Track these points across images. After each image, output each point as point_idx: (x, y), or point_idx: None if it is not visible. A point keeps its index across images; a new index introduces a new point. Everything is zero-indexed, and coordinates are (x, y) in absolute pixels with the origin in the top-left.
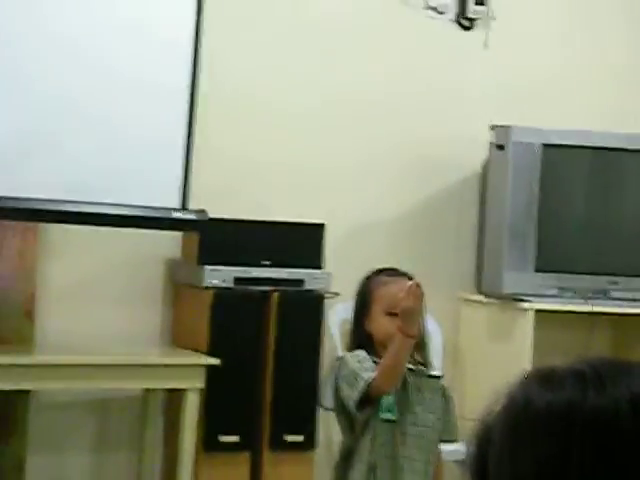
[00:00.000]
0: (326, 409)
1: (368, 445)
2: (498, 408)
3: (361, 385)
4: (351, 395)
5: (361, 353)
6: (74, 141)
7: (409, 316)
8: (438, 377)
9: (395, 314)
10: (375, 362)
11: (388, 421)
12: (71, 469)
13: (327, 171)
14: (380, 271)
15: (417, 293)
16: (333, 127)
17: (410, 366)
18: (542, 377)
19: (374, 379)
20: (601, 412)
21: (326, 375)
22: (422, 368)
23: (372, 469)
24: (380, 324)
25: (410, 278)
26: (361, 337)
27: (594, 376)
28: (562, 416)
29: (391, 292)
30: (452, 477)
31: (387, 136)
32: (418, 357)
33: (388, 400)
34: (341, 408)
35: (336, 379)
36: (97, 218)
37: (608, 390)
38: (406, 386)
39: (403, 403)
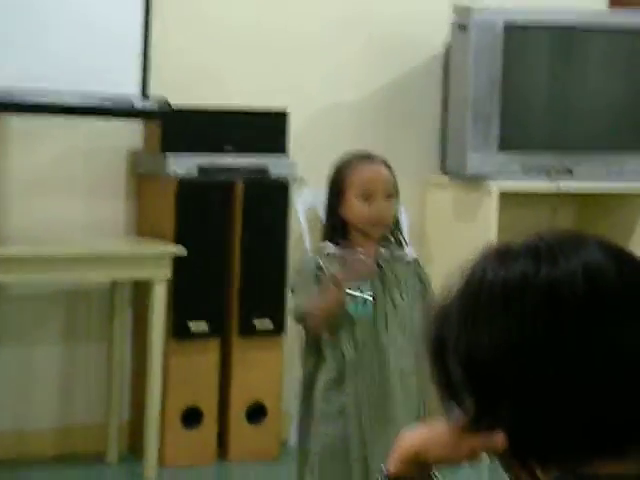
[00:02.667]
0: None
1: (349, 346)
2: (456, 286)
3: (297, 312)
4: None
5: (312, 260)
6: (34, 32)
7: (353, 275)
8: (414, 261)
9: (368, 197)
10: (322, 269)
11: (363, 315)
12: (41, 361)
13: (289, 55)
14: (351, 156)
15: (369, 266)
16: (294, 9)
17: (383, 252)
18: (497, 253)
19: (305, 313)
20: (554, 284)
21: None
22: (398, 253)
23: (355, 369)
24: (355, 208)
25: (385, 163)
26: (335, 224)
27: (547, 250)
28: (516, 290)
29: (363, 175)
30: None
31: (350, 19)
32: (393, 239)
33: (360, 293)
34: None
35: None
36: (57, 108)
37: (561, 263)
38: (382, 272)
39: (380, 288)
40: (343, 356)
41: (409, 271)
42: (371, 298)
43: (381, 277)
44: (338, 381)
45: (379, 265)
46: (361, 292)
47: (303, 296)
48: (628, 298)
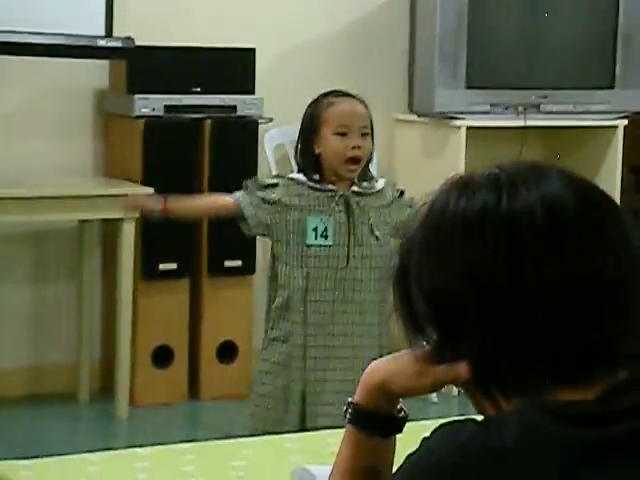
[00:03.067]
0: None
1: (300, 274)
2: (419, 217)
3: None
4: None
5: (278, 180)
6: None
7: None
8: (400, 193)
9: (344, 133)
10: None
11: (322, 247)
12: (10, 301)
13: None
14: (327, 93)
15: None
16: None
17: (354, 188)
18: (459, 185)
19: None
20: (514, 215)
21: None
22: (365, 185)
23: (304, 298)
24: (330, 144)
25: (362, 100)
26: (309, 160)
27: (508, 181)
28: (476, 221)
29: (340, 111)
30: None
31: None
32: (367, 174)
33: (320, 223)
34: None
35: None
36: (20, 48)
37: (521, 194)
38: (349, 208)
39: (344, 226)
40: (291, 284)
41: (383, 200)
42: (331, 233)
43: (347, 214)
44: (285, 308)
45: (347, 201)
46: (324, 224)
47: (241, 192)
48: (586, 228)
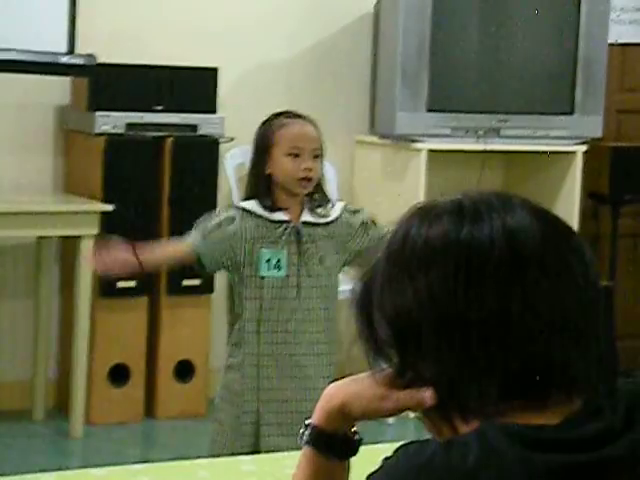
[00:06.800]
0: None
1: (254, 306)
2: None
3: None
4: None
5: (230, 211)
6: None
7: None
8: (343, 209)
9: (296, 155)
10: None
11: (275, 278)
12: None
13: (220, 15)
14: (279, 114)
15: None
16: None
17: (306, 218)
18: (422, 211)
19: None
20: (476, 243)
21: None
22: (319, 211)
23: (258, 330)
24: (282, 165)
25: (313, 122)
26: (260, 182)
27: (471, 209)
28: (438, 248)
29: (292, 133)
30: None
31: None
32: (317, 199)
33: (273, 255)
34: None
35: None
36: None
37: (484, 222)
38: (300, 239)
39: (295, 257)
40: (245, 315)
41: (336, 229)
42: (284, 264)
43: (298, 246)
44: (239, 337)
45: (298, 233)
46: (277, 256)
47: (195, 233)
48: (547, 258)
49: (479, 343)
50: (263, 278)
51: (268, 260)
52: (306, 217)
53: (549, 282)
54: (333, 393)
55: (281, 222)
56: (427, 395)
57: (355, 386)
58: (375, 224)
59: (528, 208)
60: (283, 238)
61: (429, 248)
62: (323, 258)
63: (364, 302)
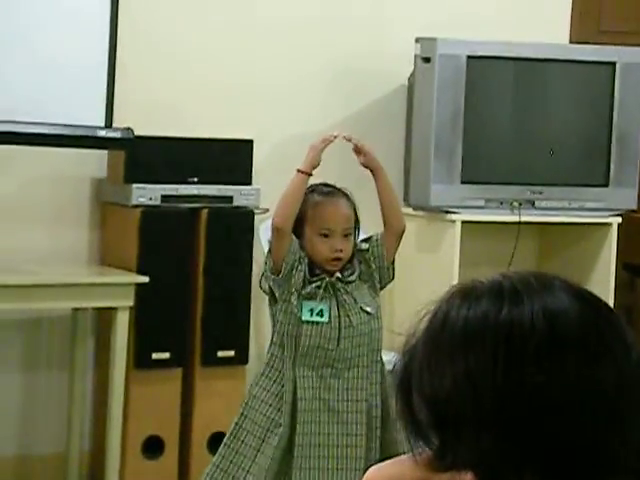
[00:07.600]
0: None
1: (292, 352)
2: (422, 324)
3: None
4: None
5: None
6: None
7: (310, 152)
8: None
9: (326, 235)
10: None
11: (321, 313)
12: (1, 390)
13: (254, 88)
14: (314, 188)
15: (329, 139)
16: (259, 43)
17: (338, 275)
18: (461, 293)
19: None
20: (515, 324)
21: None
22: (346, 274)
23: (294, 379)
24: (313, 245)
25: (347, 196)
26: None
27: (511, 291)
28: (477, 330)
29: (324, 213)
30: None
31: (314, 51)
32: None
33: (317, 305)
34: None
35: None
36: (22, 138)
37: (524, 303)
38: (335, 293)
39: (335, 306)
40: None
41: (362, 282)
42: (327, 313)
43: (337, 297)
44: (276, 375)
45: (334, 286)
46: (320, 308)
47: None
48: (587, 340)
49: (518, 427)
50: (303, 322)
51: (311, 310)
52: (337, 274)
53: (591, 363)
54: (375, 476)
55: (319, 280)
56: (467, 479)
57: (396, 468)
58: (374, 239)
59: (567, 289)
60: (320, 292)
61: (468, 329)
62: (362, 306)
63: (403, 383)
